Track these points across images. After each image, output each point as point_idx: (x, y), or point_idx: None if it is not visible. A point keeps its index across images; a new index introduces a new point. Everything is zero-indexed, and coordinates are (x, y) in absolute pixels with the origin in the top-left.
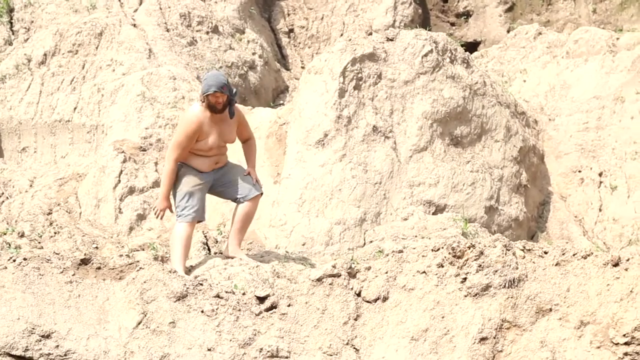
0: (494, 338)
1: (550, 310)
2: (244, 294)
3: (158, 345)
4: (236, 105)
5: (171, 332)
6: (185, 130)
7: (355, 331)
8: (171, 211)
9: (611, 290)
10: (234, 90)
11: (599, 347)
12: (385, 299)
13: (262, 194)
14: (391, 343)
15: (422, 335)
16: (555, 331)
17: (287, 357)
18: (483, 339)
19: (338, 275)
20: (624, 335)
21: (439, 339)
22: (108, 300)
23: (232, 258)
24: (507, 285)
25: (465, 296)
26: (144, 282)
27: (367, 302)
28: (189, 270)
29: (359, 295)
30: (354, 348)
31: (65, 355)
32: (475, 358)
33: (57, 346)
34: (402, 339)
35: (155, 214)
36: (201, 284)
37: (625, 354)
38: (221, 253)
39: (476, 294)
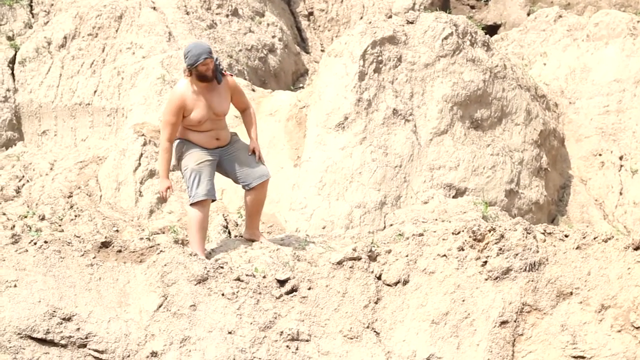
0: (515, 322)
1: (571, 293)
2: (264, 277)
3: (179, 328)
4: (228, 75)
5: (192, 315)
6: (169, 108)
7: (375, 314)
8: (171, 190)
9: (632, 274)
10: (217, 59)
11: (619, 331)
12: (405, 282)
13: (269, 178)
14: (412, 326)
15: (442, 318)
16: (576, 315)
17: (307, 340)
18: (504, 323)
19: (358, 259)
20: None
21: (460, 323)
22: (129, 283)
23: (252, 241)
24: (527, 268)
25: (486, 279)
26: (165, 265)
27: (388, 285)
28: (209, 254)
29: (379, 278)
30: (375, 331)
31: (86, 337)
32: (495, 341)
33: (78, 329)
34: (423, 322)
35: (160, 196)
36: (222, 267)
37: None
38: (241, 236)
39: (497, 278)
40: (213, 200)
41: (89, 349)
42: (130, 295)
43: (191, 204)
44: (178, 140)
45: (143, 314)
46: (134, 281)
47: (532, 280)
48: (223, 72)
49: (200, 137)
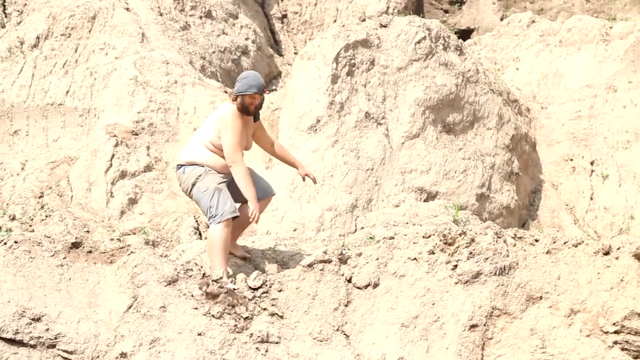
0: (484, 325)
1: (541, 298)
2: (233, 282)
3: (148, 330)
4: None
5: (162, 316)
6: (234, 127)
7: (345, 317)
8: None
9: (602, 278)
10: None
11: (588, 336)
12: (375, 285)
13: (273, 195)
14: (381, 329)
15: (412, 321)
16: (546, 319)
17: (277, 343)
18: (473, 326)
19: (329, 261)
20: (614, 324)
21: (429, 326)
22: (99, 283)
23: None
24: (497, 272)
25: (456, 283)
26: (135, 266)
27: (358, 288)
28: (179, 257)
29: (349, 281)
30: (344, 334)
31: (55, 338)
32: (465, 345)
33: (48, 329)
34: (393, 325)
35: (255, 220)
36: (191, 269)
37: (615, 342)
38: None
39: (467, 281)
40: (234, 218)
41: (58, 349)
42: (100, 296)
43: (218, 223)
44: (192, 167)
45: (113, 315)
46: (104, 282)
47: (502, 285)
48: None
49: (220, 163)
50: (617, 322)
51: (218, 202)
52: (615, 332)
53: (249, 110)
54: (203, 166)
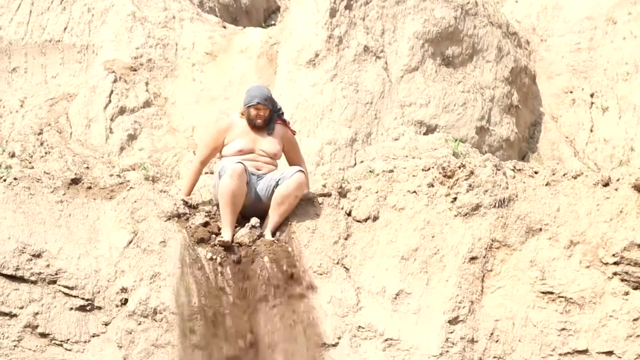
0: (484, 257)
1: (540, 230)
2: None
3: (149, 264)
4: (287, 126)
5: (162, 251)
6: (211, 128)
7: (345, 250)
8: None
9: (601, 210)
10: (279, 107)
11: (588, 267)
12: (375, 218)
13: (302, 171)
14: (381, 262)
15: (412, 254)
16: (545, 251)
17: None
18: (473, 259)
19: (328, 195)
20: (613, 255)
21: (429, 259)
22: (99, 219)
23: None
24: (497, 205)
25: (456, 216)
26: (135, 201)
27: (358, 221)
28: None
29: (349, 214)
30: (344, 267)
31: (56, 274)
32: (464, 277)
33: (48, 265)
34: (392, 258)
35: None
36: (193, 206)
37: (615, 273)
38: (211, 173)
39: (466, 214)
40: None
41: (59, 285)
42: (100, 231)
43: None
44: (217, 172)
45: (113, 250)
46: (104, 218)
47: (502, 217)
48: (284, 122)
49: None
50: (617, 253)
51: (227, 165)
52: (615, 263)
53: (256, 122)
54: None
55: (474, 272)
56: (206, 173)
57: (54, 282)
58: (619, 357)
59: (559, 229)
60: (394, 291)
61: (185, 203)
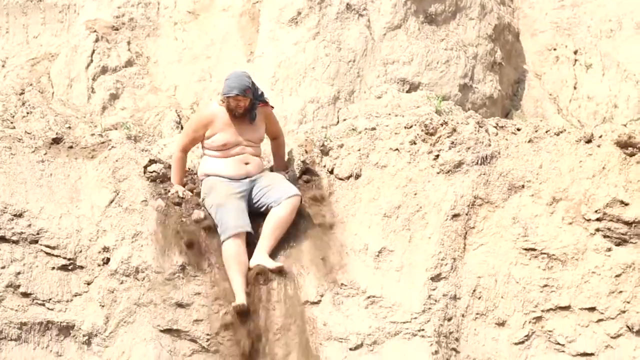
0: (466, 215)
1: (523, 186)
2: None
3: (130, 223)
4: (266, 105)
5: (143, 210)
6: (193, 120)
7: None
8: (184, 191)
9: (584, 166)
10: (260, 91)
11: (570, 223)
12: (357, 176)
13: (298, 195)
14: (364, 220)
15: (394, 212)
16: (528, 207)
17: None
18: (455, 216)
19: (311, 152)
20: (596, 211)
21: (412, 216)
22: (80, 179)
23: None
24: (479, 162)
25: (438, 173)
26: (116, 160)
27: (340, 179)
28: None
29: (331, 172)
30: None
31: (37, 234)
32: (447, 234)
33: (30, 225)
34: (375, 215)
35: (173, 195)
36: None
37: (597, 230)
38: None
39: (449, 171)
40: (248, 233)
41: (41, 244)
42: (81, 191)
43: (223, 240)
44: (204, 178)
45: (94, 210)
46: (86, 177)
47: (484, 174)
48: (264, 102)
49: (228, 164)
50: (599, 209)
51: (221, 219)
52: (597, 219)
53: (236, 112)
54: (209, 176)
55: (456, 229)
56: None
57: (36, 241)
58: (602, 313)
59: (542, 186)
60: (376, 249)
61: (180, 198)
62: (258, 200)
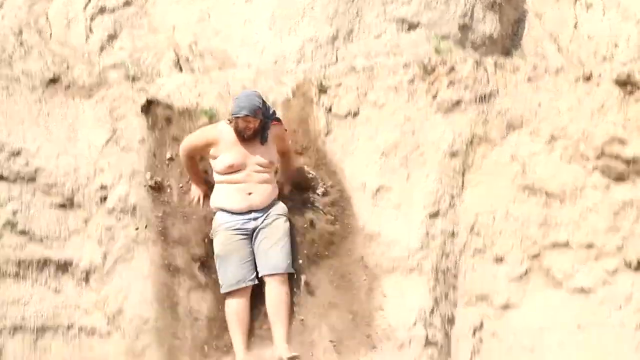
0: (465, 153)
1: (521, 125)
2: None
3: (128, 162)
4: (279, 124)
5: (140, 148)
6: (198, 132)
7: (325, 147)
8: (203, 197)
9: (582, 105)
10: (272, 110)
11: (569, 162)
12: (355, 114)
13: (285, 273)
14: (362, 158)
15: (392, 150)
16: (526, 146)
17: None
18: (453, 154)
19: (309, 92)
20: (594, 149)
21: (409, 154)
22: (77, 118)
23: None
24: (477, 100)
25: (436, 112)
26: (113, 100)
27: (338, 117)
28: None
29: (329, 111)
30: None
31: (35, 172)
32: (445, 172)
33: (27, 164)
34: (373, 154)
35: (193, 200)
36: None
37: (595, 167)
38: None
39: (447, 110)
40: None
41: (39, 183)
42: (79, 130)
43: (223, 293)
44: (215, 211)
45: (92, 149)
46: (83, 116)
47: (482, 112)
48: (276, 121)
49: (230, 195)
50: (597, 147)
51: (220, 271)
52: (596, 157)
53: (245, 133)
54: (217, 209)
55: (454, 167)
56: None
57: (33, 180)
58: (599, 250)
59: (540, 124)
60: (374, 187)
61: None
62: (256, 250)
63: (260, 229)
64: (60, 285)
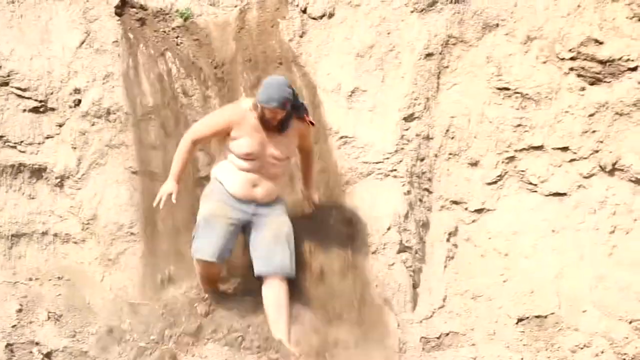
0: (440, 54)
1: (497, 25)
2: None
3: (102, 64)
4: (306, 120)
5: (114, 51)
6: (221, 114)
7: (300, 48)
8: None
9: (559, 4)
10: (300, 101)
11: (544, 62)
12: (331, 15)
13: (286, 277)
14: (337, 59)
15: (367, 51)
16: (502, 47)
17: None
18: (429, 55)
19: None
20: (570, 50)
21: (385, 55)
22: (51, 20)
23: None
24: (453, 0)
25: (412, 12)
26: (87, 0)
27: (313, 18)
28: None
29: (304, 12)
30: (299, 65)
31: (8, 75)
32: (420, 74)
33: (0, 67)
34: (348, 55)
35: (157, 199)
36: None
37: (571, 69)
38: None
39: (422, 10)
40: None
41: (12, 87)
42: (52, 32)
43: (193, 256)
44: (212, 178)
45: (66, 51)
46: (57, 18)
47: (458, 12)
48: (304, 116)
49: (236, 180)
50: (574, 48)
51: (197, 234)
52: (572, 58)
53: (269, 124)
54: (217, 182)
55: (429, 69)
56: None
57: (7, 83)
58: (574, 153)
59: (516, 25)
60: (349, 88)
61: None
62: (251, 247)
63: (258, 223)
64: (35, 192)
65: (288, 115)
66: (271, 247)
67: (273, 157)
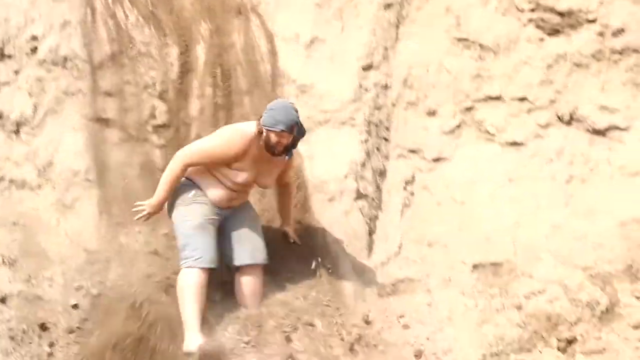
0: (399, 4)
1: None
2: None
3: (59, 12)
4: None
5: None
6: (224, 143)
7: None
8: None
9: None
10: (304, 130)
11: (504, 14)
12: None
13: (262, 264)
14: (295, 9)
15: (326, 1)
16: None
17: None
18: (388, 6)
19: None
20: (529, 1)
21: (344, 6)
22: None
23: None
24: None
25: None
26: None
27: None
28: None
29: None
30: (257, 13)
31: None
32: (379, 24)
33: None
34: (306, 4)
35: (138, 215)
36: None
37: (530, 20)
38: None
39: None
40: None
41: None
42: None
43: (187, 267)
44: (188, 180)
45: None
46: None
47: None
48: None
49: (218, 192)
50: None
51: (191, 243)
52: (531, 9)
53: (275, 149)
54: (198, 187)
55: (388, 19)
56: None
57: None
58: (532, 103)
59: None
60: (307, 38)
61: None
62: (226, 240)
63: (233, 218)
64: None
65: (295, 140)
66: (251, 239)
67: (259, 184)
